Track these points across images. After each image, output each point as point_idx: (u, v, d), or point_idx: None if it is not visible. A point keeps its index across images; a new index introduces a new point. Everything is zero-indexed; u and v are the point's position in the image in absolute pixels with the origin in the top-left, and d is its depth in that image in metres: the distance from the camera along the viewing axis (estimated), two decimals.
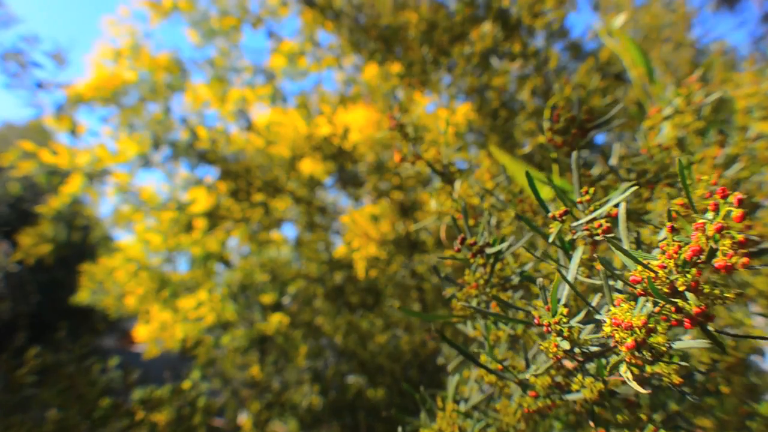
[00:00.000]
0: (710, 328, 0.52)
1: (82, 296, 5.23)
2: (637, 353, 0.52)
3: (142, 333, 4.76)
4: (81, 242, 8.66)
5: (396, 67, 3.24)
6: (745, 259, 0.47)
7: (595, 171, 0.96)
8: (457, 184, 1.06)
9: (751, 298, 1.07)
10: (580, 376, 0.70)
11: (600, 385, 0.68)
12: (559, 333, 0.59)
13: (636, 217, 0.84)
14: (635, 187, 0.65)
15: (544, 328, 0.60)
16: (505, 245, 0.81)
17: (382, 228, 3.89)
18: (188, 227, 4.62)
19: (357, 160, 4.00)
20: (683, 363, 0.58)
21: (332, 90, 4.78)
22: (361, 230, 3.91)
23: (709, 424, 0.91)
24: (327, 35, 4.44)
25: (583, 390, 0.69)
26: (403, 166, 1.05)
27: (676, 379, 0.58)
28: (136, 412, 2.53)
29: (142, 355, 4.88)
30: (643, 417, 0.68)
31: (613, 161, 0.96)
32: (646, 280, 0.50)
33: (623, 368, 0.54)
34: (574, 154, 0.75)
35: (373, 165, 3.85)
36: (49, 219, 4.97)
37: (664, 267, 0.51)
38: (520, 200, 1.02)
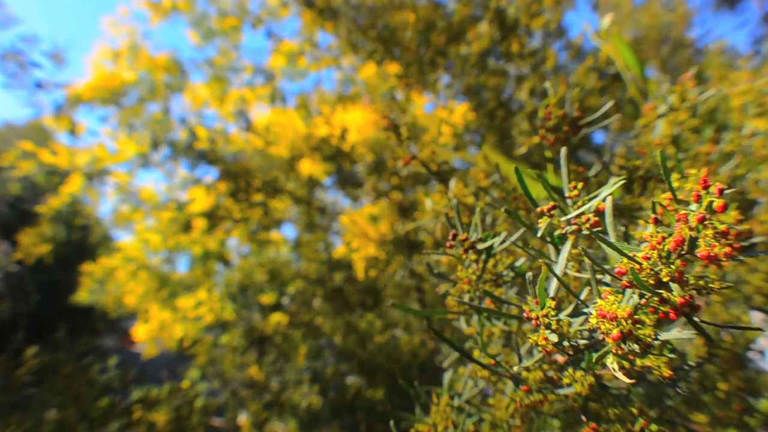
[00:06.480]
0: (696, 319, 0.52)
1: (82, 296, 5.24)
2: (623, 344, 0.52)
3: (141, 332, 4.76)
4: (81, 242, 8.67)
5: (394, 68, 3.24)
6: (728, 249, 0.46)
7: (590, 168, 0.96)
8: (452, 183, 1.06)
9: (748, 295, 1.06)
10: (570, 370, 0.70)
11: (590, 379, 0.68)
12: (548, 326, 0.59)
13: (628, 212, 0.85)
14: (623, 181, 0.65)
15: (533, 322, 0.60)
16: (496, 241, 0.82)
17: (381, 228, 3.89)
18: (187, 227, 4.62)
19: (356, 161, 4.00)
20: (672, 356, 0.58)
21: (331, 90, 4.78)
22: (360, 230, 3.91)
23: (704, 419, 0.91)
24: (326, 35, 4.44)
25: (575, 384, 0.69)
26: (405, 167, 1.06)
27: (666, 372, 0.59)
28: (134, 411, 2.53)
29: (141, 355, 4.89)
30: (634, 411, 0.68)
31: (606, 158, 0.97)
32: (630, 271, 0.50)
33: (610, 359, 0.54)
34: (563, 149, 0.76)
35: (372, 165, 3.85)
36: (48, 219, 4.98)
37: (648, 258, 0.51)
38: (514, 198, 1.02)
